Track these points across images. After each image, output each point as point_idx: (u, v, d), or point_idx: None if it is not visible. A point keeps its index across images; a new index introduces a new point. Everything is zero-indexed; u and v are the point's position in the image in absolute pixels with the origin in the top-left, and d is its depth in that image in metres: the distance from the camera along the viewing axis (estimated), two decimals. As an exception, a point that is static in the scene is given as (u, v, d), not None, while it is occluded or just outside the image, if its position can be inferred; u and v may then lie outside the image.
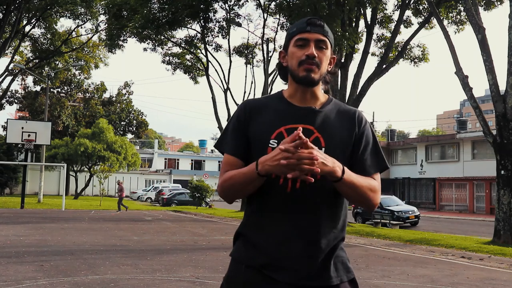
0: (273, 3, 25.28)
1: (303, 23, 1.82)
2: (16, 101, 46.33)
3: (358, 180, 1.71)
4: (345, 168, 1.68)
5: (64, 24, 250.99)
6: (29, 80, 44.66)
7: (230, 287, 1.81)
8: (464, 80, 14.03)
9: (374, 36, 21.89)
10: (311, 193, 1.73)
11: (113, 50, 27.76)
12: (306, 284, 1.71)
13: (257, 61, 30.04)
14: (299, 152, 1.56)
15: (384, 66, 19.79)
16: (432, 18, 19.76)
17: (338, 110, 1.86)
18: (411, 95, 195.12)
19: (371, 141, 1.85)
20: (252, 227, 1.81)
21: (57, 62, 36.80)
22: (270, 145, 1.77)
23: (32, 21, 31.91)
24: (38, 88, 44.80)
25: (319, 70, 1.79)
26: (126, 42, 27.10)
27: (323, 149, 1.74)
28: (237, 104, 27.60)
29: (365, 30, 20.33)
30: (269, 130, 1.79)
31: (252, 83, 30.33)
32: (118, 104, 49.94)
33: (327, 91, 1.92)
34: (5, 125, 32.37)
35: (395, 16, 21.51)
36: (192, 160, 66.95)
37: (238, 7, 31.06)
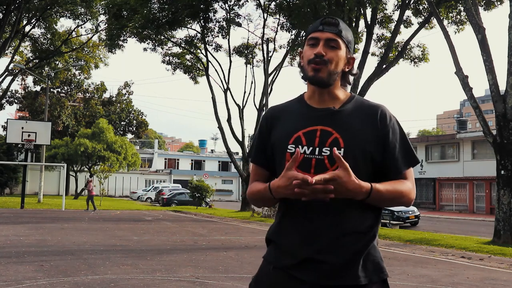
0: (273, 3, 25.30)
1: (317, 23, 1.83)
2: (16, 101, 46.36)
3: (387, 191, 1.70)
4: (373, 188, 1.67)
5: (64, 24, 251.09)
6: (29, 80, 44.72)
7: (257, 287, 1.84)
8: (464, 80, 14.02)
9: (374, 36, 21.88)
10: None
11: (113, 50, 27.72)
12: (332, 283, 1.70)
13: (257, 61, 30.05)
14: (313, 185, 1.59)
15: (384, 66, 19.78)
16: (432, 18, 19.74)
17: (359, 108, 1.82)
18: (411, 95, 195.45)
19: (398, 137, 1.81)
20: (278, 230, 1.83)
21: (57, 62, 36.76)
22: (288, 150, 1.77)
23: (32, 21, 31.88)
24: (38, 88, 44.85)
25: (328, 69, 1.77)
26: (126, 42, 27.07)
27: (342, 149, 1.72)
28: (237, 104, 27.68)
29: (365, 30, 20.30)
30: (288, 135, 1.80)
31: (252, 83, 30.27)
32: (118, 104, 49.96)
33: None
34: (5, 125, 32.37)
35: (395, 16, 21.52)
36: (192, 160, 66.95)
37: (238, 7, 31.04)
